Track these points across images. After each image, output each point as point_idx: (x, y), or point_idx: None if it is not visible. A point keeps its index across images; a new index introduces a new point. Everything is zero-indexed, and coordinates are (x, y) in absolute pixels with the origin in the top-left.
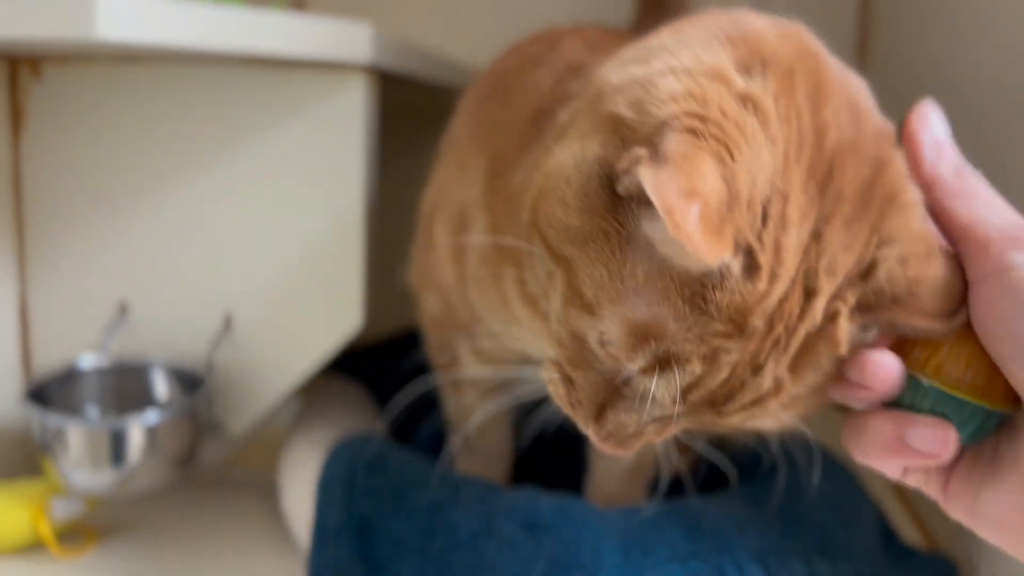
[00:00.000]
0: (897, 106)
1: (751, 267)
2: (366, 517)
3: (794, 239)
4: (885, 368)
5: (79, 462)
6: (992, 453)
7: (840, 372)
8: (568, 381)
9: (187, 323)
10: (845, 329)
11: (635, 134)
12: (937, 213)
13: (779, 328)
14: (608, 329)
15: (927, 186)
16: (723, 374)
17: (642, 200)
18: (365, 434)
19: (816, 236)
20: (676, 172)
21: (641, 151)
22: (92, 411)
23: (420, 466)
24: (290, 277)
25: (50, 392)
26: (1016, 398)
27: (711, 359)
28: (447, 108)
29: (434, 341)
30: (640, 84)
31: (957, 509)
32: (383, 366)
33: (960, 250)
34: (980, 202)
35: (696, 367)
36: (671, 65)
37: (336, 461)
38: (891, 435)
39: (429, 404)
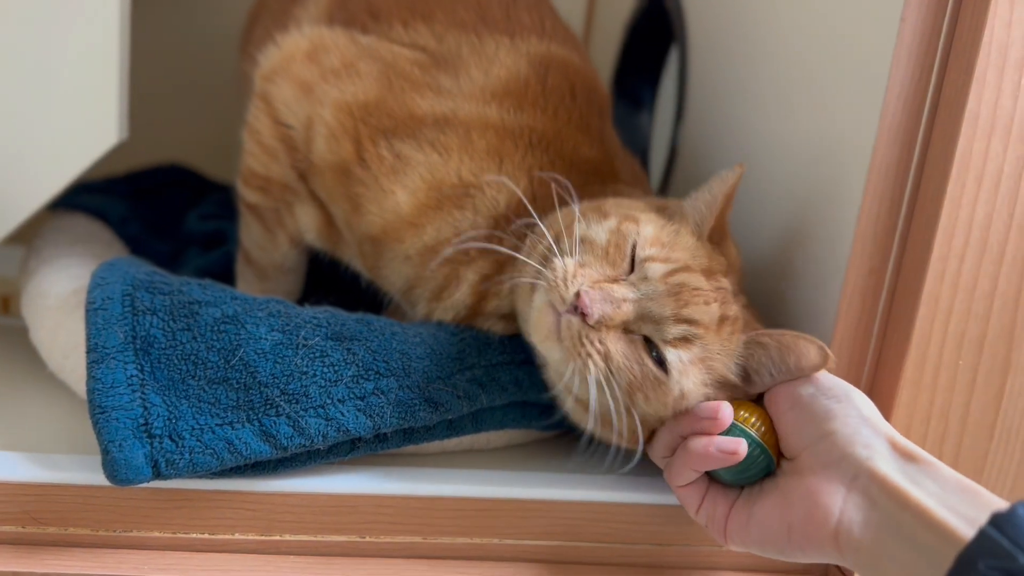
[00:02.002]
0: None
1: None
2: (151, 335)
3: None
4: (726, 411)
5: None
6: (759, 487)
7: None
8: (580, 265)
9: None
10: (739, 330)
11: None
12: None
13: (722, 295)
14: (645, 231)
15: None
16: (692, 283)
17: None
18: (130, 258)
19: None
20: None
21: None
22: None
23: (205, 285)
24: (32, 85)
25: None
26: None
27: (690, 267)
28: None
29: (259, 168)
30: None
31: (734, 531)
32: (123, 201)
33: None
34: None
35: (680, 265)
36: None
37: (106, 283)
38: (705, 444)
39: (198, 241)
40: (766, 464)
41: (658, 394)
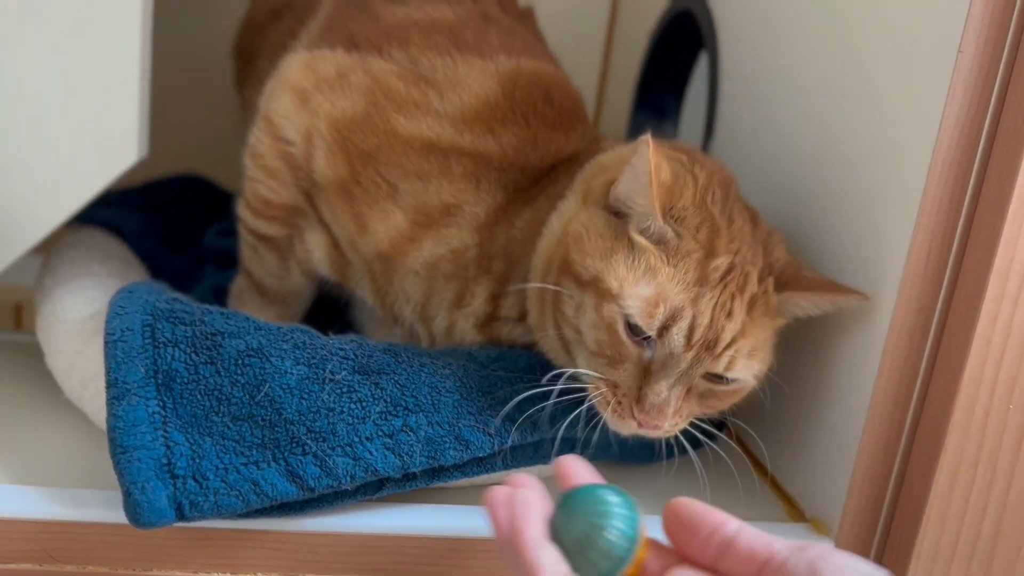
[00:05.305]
0: None
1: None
2: (173, 369)
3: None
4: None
5: None
6: None
7: None
8: (612, 384)
9: None
10: (773, 295)
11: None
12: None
13: (732, 285)
14: (631, 305)
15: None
16: (707, 316)
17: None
18: (149, 284)
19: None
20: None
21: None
22: None
23: (227, 314)
24: (55, 102)
25: None
26: None
27: (695, 302)
28: None
29: (269, 195)
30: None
31: None
32: (137, 216)
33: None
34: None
35: (688, 311)
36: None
37: (125, 312)
38: None
39: (215, 257)
40: None
41: (736, 395)
